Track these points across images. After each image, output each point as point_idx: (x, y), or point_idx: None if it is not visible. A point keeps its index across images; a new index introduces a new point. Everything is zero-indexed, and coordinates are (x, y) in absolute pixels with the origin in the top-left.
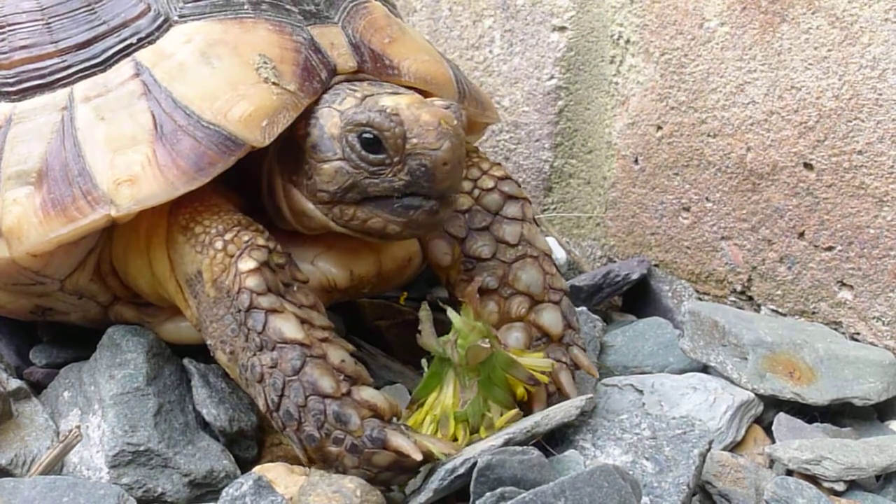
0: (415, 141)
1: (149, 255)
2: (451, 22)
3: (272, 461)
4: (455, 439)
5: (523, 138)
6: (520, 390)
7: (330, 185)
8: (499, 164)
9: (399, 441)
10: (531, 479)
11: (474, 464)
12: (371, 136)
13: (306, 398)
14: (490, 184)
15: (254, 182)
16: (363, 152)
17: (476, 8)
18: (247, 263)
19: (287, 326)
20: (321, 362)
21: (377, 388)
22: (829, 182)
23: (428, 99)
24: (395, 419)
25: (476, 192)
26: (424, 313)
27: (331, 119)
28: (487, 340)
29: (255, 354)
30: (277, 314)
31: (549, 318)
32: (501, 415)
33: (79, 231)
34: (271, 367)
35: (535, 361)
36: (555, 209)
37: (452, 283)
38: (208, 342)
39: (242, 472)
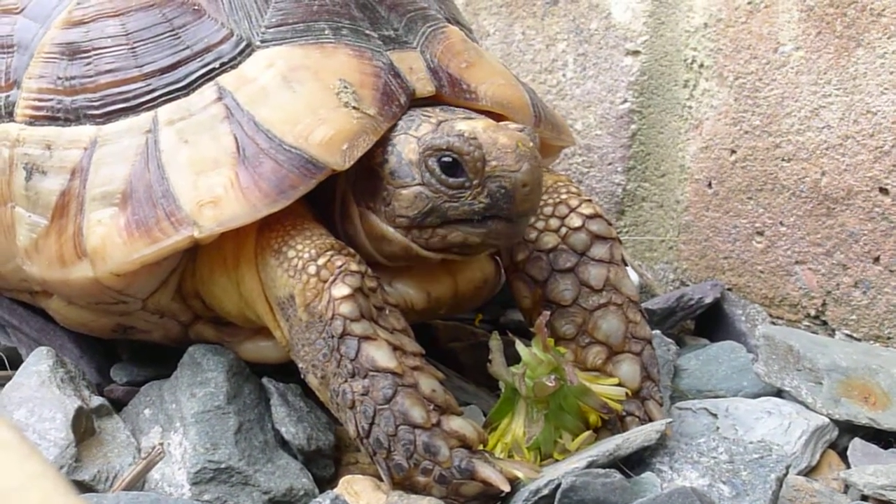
0: (494, 163)
1: (236, 275)
2: (524, 46)
3: None
4: None
5: (596, 162)
6: (593, 417)
7: (409, 211)
8: (589, 199)
9: (487, 472)
10: (612, 502)
11: (558, 485)
12: (450, 159)
13: (396, 427)
14: (578, 222)
15: (327, 211)
16: (443, 176)
17: (549, 32)
18: (340, 290)
19: (380, 354)
20: (412, 392)
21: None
22: None
23: (501, 123)
24: (481, 446)
25: (563, 230)
26: (495, 343)
27: (408, 145)
28: (554, 377)
29: (346, 381)
30: (370, 341)
31: (627, 370)
32: (573, 439)
33: (162, 252)
34: (363, 395)
35: (609, 390)
36: (627, 233)
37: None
38: (299, 365)
39: (320, 491)
